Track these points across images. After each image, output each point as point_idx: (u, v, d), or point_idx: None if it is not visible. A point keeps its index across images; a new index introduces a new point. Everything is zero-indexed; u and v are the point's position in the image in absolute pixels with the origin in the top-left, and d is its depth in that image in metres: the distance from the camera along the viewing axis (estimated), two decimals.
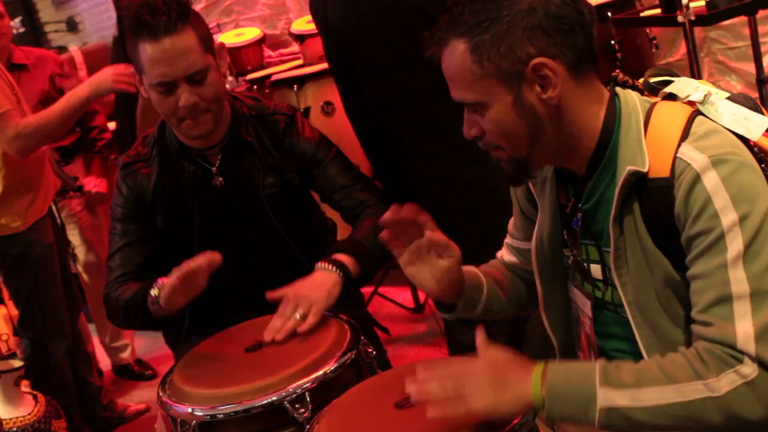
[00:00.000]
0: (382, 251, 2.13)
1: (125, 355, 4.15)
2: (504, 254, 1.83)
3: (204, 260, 1.90)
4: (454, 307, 1.71)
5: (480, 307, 1.71)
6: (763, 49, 3.67)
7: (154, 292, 2.00)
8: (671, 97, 1.49)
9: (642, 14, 3.62)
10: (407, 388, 1.41)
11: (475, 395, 1.36)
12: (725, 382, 1.27)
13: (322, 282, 1.99)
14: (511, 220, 1.80)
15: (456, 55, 1.41)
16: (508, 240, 1.82)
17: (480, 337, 1.44)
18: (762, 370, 1.26)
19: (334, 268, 2.01)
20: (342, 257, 2.04)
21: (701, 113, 1.43)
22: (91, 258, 3.94)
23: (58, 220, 3.58)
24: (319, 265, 2.03)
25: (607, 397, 1.31)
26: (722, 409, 1.27)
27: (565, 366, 1.39)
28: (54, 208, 3.52)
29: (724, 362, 1.28)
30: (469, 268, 1.74)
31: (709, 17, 3.06)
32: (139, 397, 3.97)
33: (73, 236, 3.88)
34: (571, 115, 1.43)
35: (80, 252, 3.92)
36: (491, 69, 1.39)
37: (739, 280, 1.28)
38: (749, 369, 1.26)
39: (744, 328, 1.27)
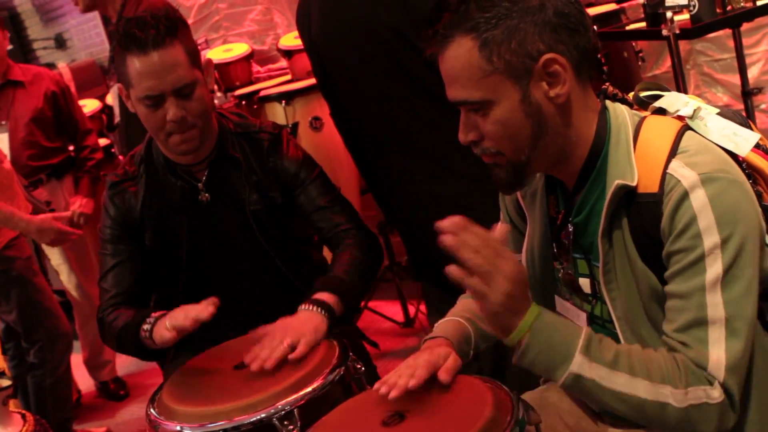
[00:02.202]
0: (363, 284, 2.12)
1: (104, 374, 4.13)
2: None
3: (201, 315, 1.89)
4: None
5: (471, 353, 1.70)
6: (748, 61, 3.71)
7: (146, 326, 2.00)
8: (660, 111, 1.49)
9: (627, 28, 3.64)
10: (442, 227, 1.36)
11: (495, 292, 1.35)
12: (691, 396, 1.31)
13: (308, 319, 1.96)
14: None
15: (462, 52, 1.39)
16: None
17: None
18: (726, 398, 1.31)
19: (319, 310, 1.98)
20: (325, 296, 2.01)
21: (690, 128, 1.43)
22: (73, 277, 3.93)
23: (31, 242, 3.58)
24: (303, 306, 1.99)
25: (581, 366, 1.34)
26: (680, 419, 1.32)
27: (555, 321, 1.40)
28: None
29: (697, 379, 1.31)
30: (453, 322, 1.71)
31: (694, 30, 3.08)
32: (121, 418, 3.95)
33: (53, 254, 3.88)
34: (573, 117, 1.42)
35: (63, 270, 3.92)
36: (501, 65, 1.37)
37: (715, 305, 1.30)
38: (717, 392, 1.30)
39: (716, 354, 1.30)
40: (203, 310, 1.88)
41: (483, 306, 1.37)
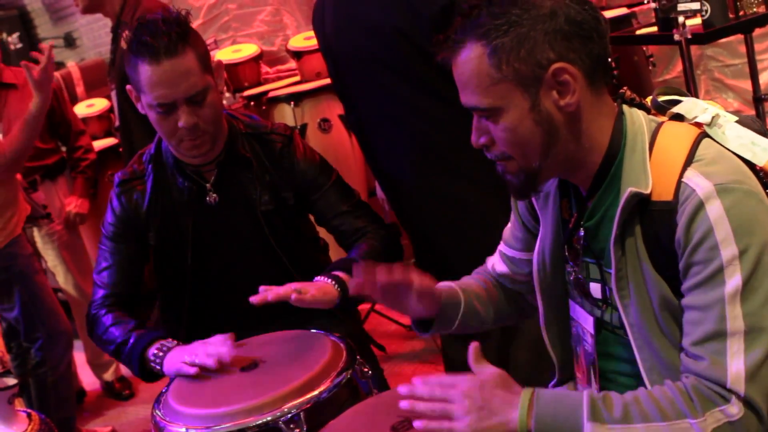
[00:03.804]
0: None
1: (107, 373, 4.13)
2: (495, 262, 1.81)
3: (223, 355, 1.91)
4: (430, 324, 1.70)
5: (456, 323, 1.70)
6: (759, 66, 3.69)
7: (156, 352, 2.00)
8: (678, 117, 1.47)
9: (638, 32, 3.63)
10: (400, 403, 1.39)
11: (459, 418, 1.34)
12: (711, 421, 1.28)
13: (319, 283, 1.98)
14: (507, 228, 1.78)
15: (472, 58, 1.38)
16: (502, 248, 1.79)
17: (473, 353, 1.42)
18: (748, 410, 1.28)
19: (333, 282, 1.99)
20: (339, 273, 2.02)
21: (708, 136, 1.41)
22: (70, 278, 3.94)
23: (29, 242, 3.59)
24: (318, 278, 2.01)
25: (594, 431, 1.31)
26: None
27: (553, 397, 1.37)
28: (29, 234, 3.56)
29: (712, 401, 1.29)
30: (447, 285, 1.73)
31: (706, 35, 3.07)
32: (126, 418, 3.95)
33: (50, 256, 3.88)
34: (585, 124, 1.41)
35: (59, 272, 3.92)
36: (510, 73, 1.36)
37: (735, 317, 1.28)
38: (735, 409, 1.27)
39: (735, 366, 1.28)
40: (223, 344, 1.92)
41: None
